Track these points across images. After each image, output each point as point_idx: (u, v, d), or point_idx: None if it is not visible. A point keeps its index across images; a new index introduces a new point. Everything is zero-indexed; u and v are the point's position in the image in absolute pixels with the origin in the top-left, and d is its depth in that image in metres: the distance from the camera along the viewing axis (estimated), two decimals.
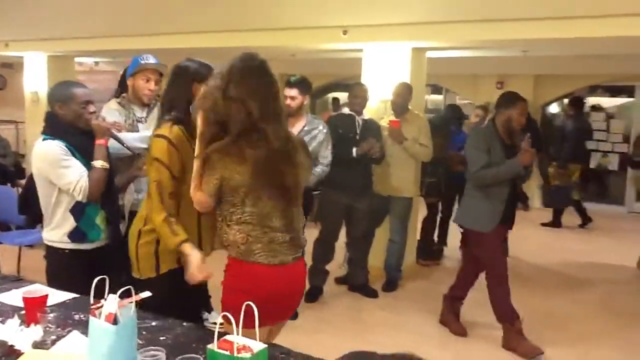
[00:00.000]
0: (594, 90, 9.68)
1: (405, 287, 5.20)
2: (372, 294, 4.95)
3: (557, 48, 6.03)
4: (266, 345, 1.65)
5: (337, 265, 5.30)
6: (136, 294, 1.76)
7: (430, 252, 6.02)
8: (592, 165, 9.36)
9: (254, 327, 1.61)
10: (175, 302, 2.32)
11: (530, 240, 7.14)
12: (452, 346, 4.07)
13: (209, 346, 1.62)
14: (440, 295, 4.43)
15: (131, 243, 2.53)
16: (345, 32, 4.99)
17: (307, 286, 4.57)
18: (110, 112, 3.31)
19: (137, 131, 3.30)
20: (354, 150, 4.56)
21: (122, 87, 3.53)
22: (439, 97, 10.67)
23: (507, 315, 3.94)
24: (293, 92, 4.20)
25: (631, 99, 9.43)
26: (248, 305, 1.64)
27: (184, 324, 2.08)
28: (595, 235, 7.65)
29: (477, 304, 4.31)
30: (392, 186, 4.98)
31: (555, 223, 7.94)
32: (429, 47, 5.49)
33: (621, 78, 8.99)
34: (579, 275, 5.81)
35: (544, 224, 7.96)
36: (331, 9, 5.17)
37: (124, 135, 3.06)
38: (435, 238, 6.16)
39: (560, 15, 4.34)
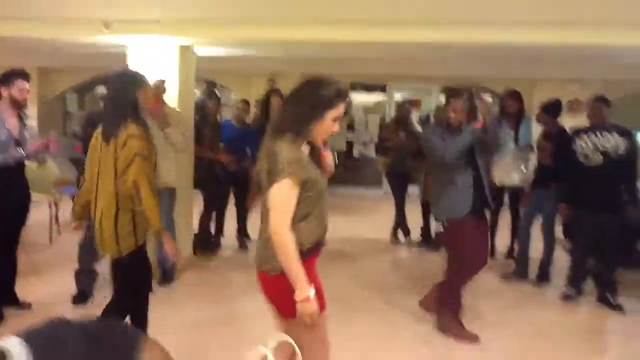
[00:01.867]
0: (353, 87, 10.76)
1: (182, 280, 5.27)
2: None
3: (317, 50, 6.61)
4: None
5: None
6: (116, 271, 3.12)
7: (207, 243, 6.18)
8: (355, 154, 10.46)
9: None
10: (146, 268, 3.25)
11: None
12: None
13: None
14: (218, 285, 4.57)
15: (108, 228, 3.05)
16: (107, 26, 4.85)
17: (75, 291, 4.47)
18: None
19: None
20: None
21: None
22: None
23: (453, 308, 4.15)
24: None
25: (384, 95, 10.70)
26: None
27: None
28: (356, 214, 8.58)
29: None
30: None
31: None
32: (197, 44, 5.61)
33: (375, 77, 10.15)
34: (341, 249, 6.50)
35: None
36: (92, 1, 4.98)
37: None
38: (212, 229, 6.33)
39: (320, 19, 4.78)
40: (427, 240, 6.73)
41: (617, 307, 4.79)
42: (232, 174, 6.12)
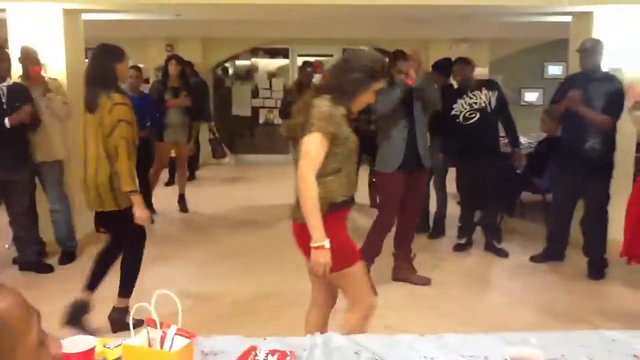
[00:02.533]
0: (255, 52, 10.64)
1: (84, 257, 5.10)
2: (46, 270, 4.75)
3: (212, 12, 6.48)
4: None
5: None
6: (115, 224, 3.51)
7: None
8: (261, 121, 10.42)
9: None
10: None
11: (207, 194, 7.76)
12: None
13: None
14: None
15: (104, 188, 3.31)
16: None
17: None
18: None
19: None
20: (6, 120, 4.24)
21: None
22: None
23: (366, 256, 4.21)
24: None
25: (287, 60, 10.67)
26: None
27: None
28: (265, 181, 8.64)
29: None
30: (43, 151, 4.75)
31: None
32: (83, 10, 5.34)
33: (278, 41, 10.09)
34: (250, 216, 6.60)
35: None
36: None
37: None
38: None
39: None
40: None
41: (501, 252, 5.20)
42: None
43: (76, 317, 3.44)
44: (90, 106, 3.34)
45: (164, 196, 7.07)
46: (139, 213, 3.37)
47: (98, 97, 3.30)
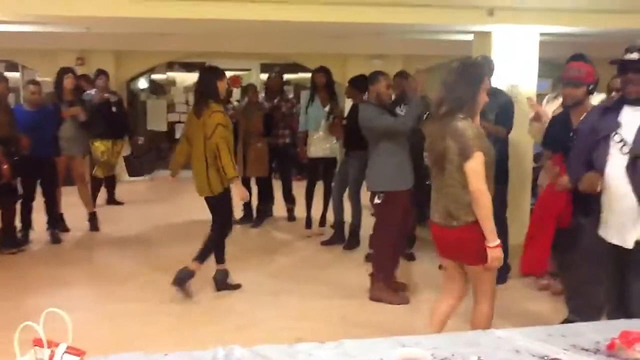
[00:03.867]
0: (171, 66, 10.49)
1: None
2: None
3: (122, 26, 6.36)
4: None
5: None
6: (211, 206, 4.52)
7: (13, 239, 5.71)
8: (177, 136, 10.25)
9: None
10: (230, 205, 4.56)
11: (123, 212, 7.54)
12: None
13: None
14: (34, 281, 4.30)
15: (202, 177, 4.37)
16: None
17: None
18: None
19: None
20: None
21: None
22: (16, 75, 9.87)
23: (388, 272, 4.42)
24: None
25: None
26: None
27: None
28: (179, 199, 8.43)
29: None
30: None
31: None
32: None
33: (195, 55, 9.98)
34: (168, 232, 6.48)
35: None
36: None
37: None
38: (18, 224, 5.85)
39: None
40: (248, 217, 6.87)
41: (410, 257, 5.45)
42: (37, 163, 5.69)
43: (182, 281, 4.33)
44: (198, 113, 4.31)
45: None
46: (240, 192, 4.45)
47: (203, 106, 4.27)
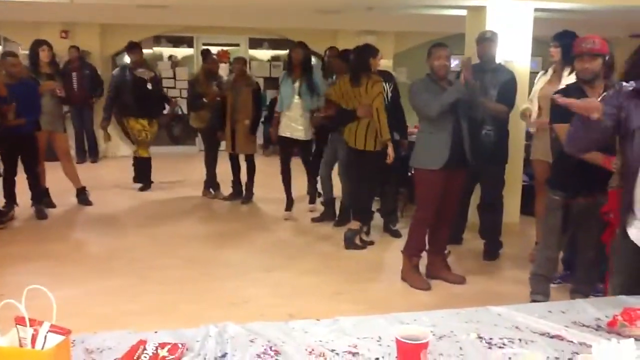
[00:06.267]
0: (158, 40, 10.27)
1: None
2: None
3: None
4: None
5: None
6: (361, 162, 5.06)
7: None
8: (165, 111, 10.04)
9: None
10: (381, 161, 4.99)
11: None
12: None
13: None
14: (16, 258, 4.23)
15: (361, 135, 4.97)
16: None
17: None
18: None
19: None
20: None
21: None
22: None
23: (411, 250, 4.30)
24: None
25: (192, 49, 10.39)
26: None
27: None
28: (170, 171, 8.33)
29: None
30: None
31: None
32: None
33: (182, 29, 9.79)
34: (158, 210, 6.39)
35: None
36: None
37: None
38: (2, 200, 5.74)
39: None
40: (238, 194, 6.79)
41: (396, 233, 5.44)
42: (18, 139, 5.53)
43: (351, 240, 5.05)
44: (355, 82, 4.93)
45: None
46: (392, 154, 4.89)
47: (361, 77, 4.89)
